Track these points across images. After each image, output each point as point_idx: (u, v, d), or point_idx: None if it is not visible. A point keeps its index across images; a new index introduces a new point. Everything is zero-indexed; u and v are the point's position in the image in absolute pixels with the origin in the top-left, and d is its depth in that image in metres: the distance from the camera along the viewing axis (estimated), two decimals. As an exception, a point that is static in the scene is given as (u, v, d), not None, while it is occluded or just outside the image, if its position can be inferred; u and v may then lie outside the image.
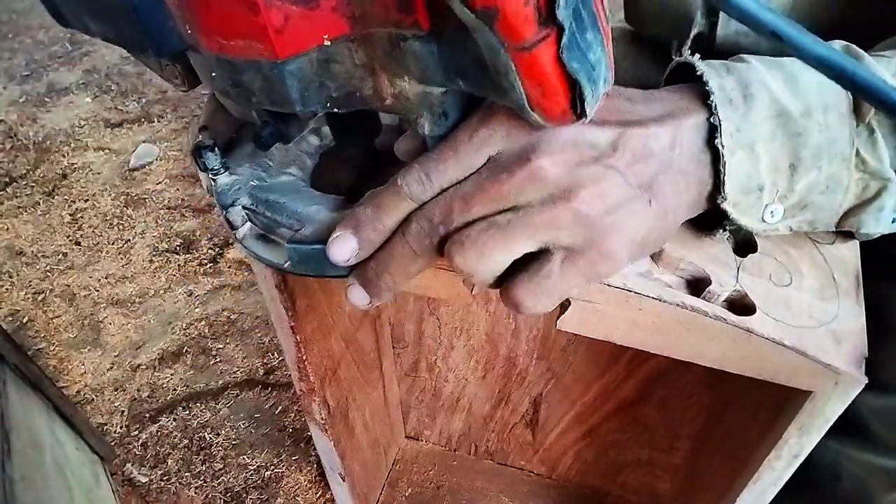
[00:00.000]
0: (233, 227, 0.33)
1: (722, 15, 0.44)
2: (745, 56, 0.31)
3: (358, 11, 0.22)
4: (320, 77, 0.25)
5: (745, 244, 0.36)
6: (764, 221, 0.31)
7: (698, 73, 0.30)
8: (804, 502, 0.52)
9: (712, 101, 0.29)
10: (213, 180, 0.33)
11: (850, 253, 0.36)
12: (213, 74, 0.25)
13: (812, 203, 0.31)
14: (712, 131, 0.29)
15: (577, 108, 0.23)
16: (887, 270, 0.40)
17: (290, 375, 0.91)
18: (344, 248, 0.28)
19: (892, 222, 0.32)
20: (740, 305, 0.32)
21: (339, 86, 0.25)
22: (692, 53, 0.32)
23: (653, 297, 0.32)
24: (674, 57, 0.33)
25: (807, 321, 0.32)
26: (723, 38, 0.42)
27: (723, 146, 0.28)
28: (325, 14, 0.22)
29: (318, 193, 0.34)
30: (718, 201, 0.30)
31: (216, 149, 0.32)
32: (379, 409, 0.73)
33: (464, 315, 0.66)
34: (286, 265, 0.32)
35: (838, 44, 0.31)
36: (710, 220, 0.32)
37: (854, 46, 0.31)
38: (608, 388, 0.67)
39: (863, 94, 0.24)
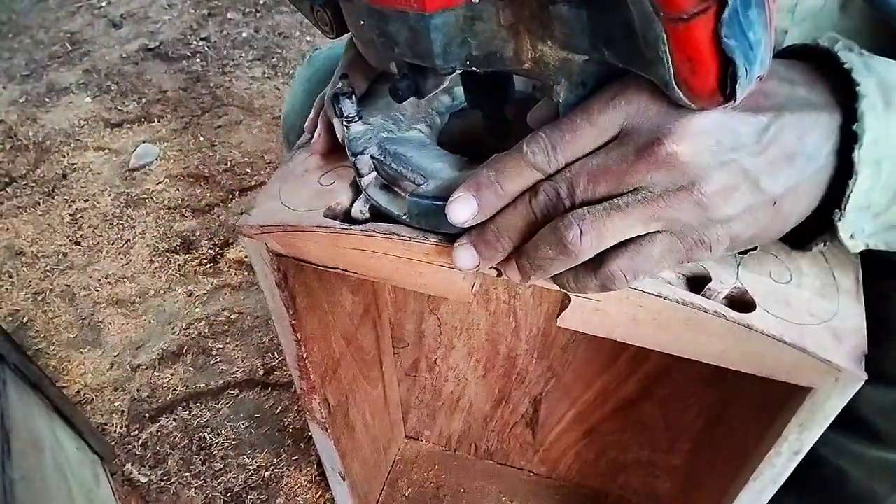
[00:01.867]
0: (359, 175, 0.34)
1: None
2: (861, 50, 0.27)
3: None
4: (464, 34, 0.25)
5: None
6: (853, 238, 0.28)
7: (846, 66, 0.26)
8: (810, 502, 0.52)
9: (859, 107, 0.26)
10: (347, 127, 0.33)
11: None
12: (362, 23, 0.26)
13: None
14: (848, 139, 0.26)
15: (726, 89, 0.22)
16: (892, 267, 0.40)
17: (290, 375, 0.91)
18: (464, 210, 0.28)
19: None
20: (740, 302, 0.33)
21: (481, 44, 0.25)
22: None
23: (653, 294, 0.32)
24: None
25: (807, 318, 0.32)
26: None
27: (860, 159, 0.26)
28: None
29: (443, 151, 0.34)
30: (835, 217, 0.27)
31: (353, 97, 0.32)
32: (379, 409, 0.73)
33: (464, 315, 0.66)
34: (404, 216, 0.32)
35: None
36: (801, 232, 0.30)
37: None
38: (608, 387, 0.67)
39: None
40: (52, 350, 1.06)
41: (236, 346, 1.05)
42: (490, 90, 0.33)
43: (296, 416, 0.96)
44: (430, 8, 0.23)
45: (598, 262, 0.27)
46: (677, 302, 0.32)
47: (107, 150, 1.46)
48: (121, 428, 0.95)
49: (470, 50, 0.26)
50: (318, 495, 0.87)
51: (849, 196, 0.26)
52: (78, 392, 1.00)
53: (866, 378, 0.31)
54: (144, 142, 1.48)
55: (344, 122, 0.33)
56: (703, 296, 0.32)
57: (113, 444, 0.92)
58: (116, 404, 0.98)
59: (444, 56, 0.26)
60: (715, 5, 0.20)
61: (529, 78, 0.28)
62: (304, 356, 0.49)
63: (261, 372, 1.02)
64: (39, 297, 1.14)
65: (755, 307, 0.32)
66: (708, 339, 0.33)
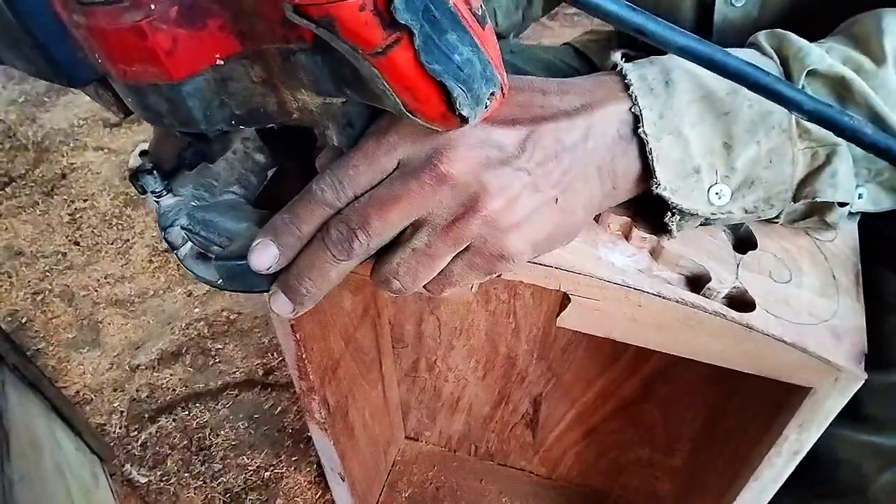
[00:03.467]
0: (173, 248, 0.34)
1: (715, 24, 0.44)
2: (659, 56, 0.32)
3: (245, 28, 0.23)
4: (220, 95, 0.25)
5: (744, 240, 0.36)
6: (711, 204, 0.31)
7: (618, 67, 0.31)
8: (804, 494, 0.52)
9: (632, 93, 0.30)
10: (157, 202, 0.33)
11: (849, 250, 0.36)
12: (128, 99, 0.26)
13: (759, 179, 0.31)
14: (636, 121, 0.30)
15: (454, 110, 0.23)
16: (884, 252, 0.40)
17: (289, 376, 0.91)
18: (265, 256, 0.28)
19: (859, 198, 0.32)
20: (740, 302, 0.33)
21: (241, 103, 0.26)
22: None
23: (652, 294, 0.32)
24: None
25: (807, 318, 0.32)
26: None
27: (646, 134, 0.29)
28: (213, 34, 0.23)
29: (253, 210, 0.34)
30: (653, 187, 0.30)
31: (155, 172, 0.32)
32: (379, 409, 0.73)
33: (464, 315, 0.66)
34: (219, 282, 0.32)
35: (763, 32, 0.32)
36: (657, 210, 0.33)
37: (778, 31, 0.31)
38: (609, 387, 0.67)
39: (730, 77, 0.25)
40: (51, 350, 1.06)
41: (236, 346, 1.05)
42: (292, 142, 0.33)
43: (295, 416, 0.96)
44: (176, 76, 0.23)
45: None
46: (677, 301, 0.32)
47: (106, 150, 1.46)
48: (120, 428, 0.95)
49: (232, 109, 0.26)
50: (317, 496, 0.86)
51: (654, 166, 0.30)
52: (77, 392, 1.00)
53: (866, 378, 0.31)
54: (144, 141, 1.47)
55: (153, 198, 0.33)
56: (703, 295, 0.32)
57: (112, 444, 0.92)
58: (115, 404, 0.98)
59: (207, 120, 0.25)
60: (404, 35, 0.21)
61: (301, 126, 0.28)
62: (304, 357, 0.49)
63: (260, 372, 1.02)
64: (38, 298, 1.14)
65: (755, 307, 0.32)
66: (707, 338, 0.33)
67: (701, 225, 0.34)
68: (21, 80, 1.69)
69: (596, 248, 0.34)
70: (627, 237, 0.34)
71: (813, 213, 0.33)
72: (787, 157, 0.30)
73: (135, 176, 0.32)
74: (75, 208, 1.31)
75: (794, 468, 0.38)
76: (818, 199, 0.31)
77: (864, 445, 0.46)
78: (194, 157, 0.31)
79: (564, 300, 0.34)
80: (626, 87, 0.30)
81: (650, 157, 0.30)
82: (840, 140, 0.30)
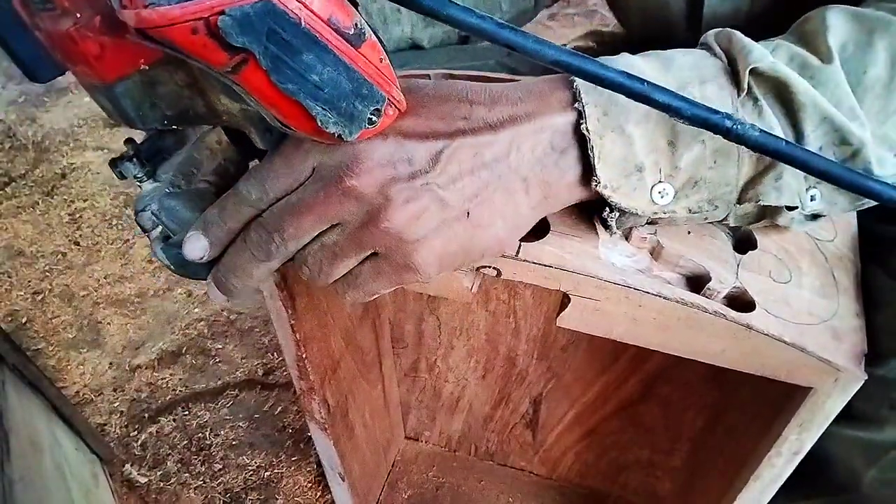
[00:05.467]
0: (144, 231, 0.36)
1: (704, 17, 0.44)
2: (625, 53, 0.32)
3: None
4: (150, 97, 0.27)
5: (744, 241, 0.36)
6: (654, 203, 0.31)
7: None
8: (797, 492, 0.52)
9: (576, 88, 0.29)
10: (139, 186, 0.35)
11: (849, 250, 0.36)
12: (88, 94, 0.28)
13: (704, 179, 0.30)
14: (577, 124, 0.29)
15: (326, 127, 0.24)
16: (874, 250, 0.40)
17: (289, 375, 0.91)
18: (195, 247, 0.31)
19: (812, 200, 0.31)
20: (740, 302, 0.33)
21: (171, 104, 0.27)
22: None
23: (652, 294, 0.32)
24: None
25: (807, 318, 0.32)
26: None
27: (588, 131, 0.29)
28: (136, 42, 0.24)
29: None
30: (593, 185, 0.30)
31: (135, 158, 0.34)
32: (379, 409, 0.73)
33: (464, 315, 0.66)
34: (172, 268, 0.34)
35: (713, 31, 0.32)
36: (599, 207, 0.32)
37: (727, 30, 0.31)
38: (609, 387, 0.67)
39: (553, 66, 0.25)
40: (51, 350, 1.06)
41: (236, 346, 1.05)
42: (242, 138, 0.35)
43: (295, 416, 0.96)
44: (107, 79, 0.25)
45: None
46: (677, 301, 0.32)
47: (106, 150, 1.46)
48: (120, 428, 0.95)
49: (163, 111, 0.28)
50: (317, 496, 0.86)
51: (594, 163, 0.29)
52: (77, 392, 1.00)
53: (866, 378, 0.31)
54: (144, 142, 1.47)
55: (136, 183, 0.35)
56: (703, 295, 0.32)
57: (112, 444, 0.92)
58: (116, 405, 0.98)
59: (141, 119, 0.27)
60: (250, 56, 0.21)
61: (231, 128, 0.30)
62: (304, 356, 0.49)
63: (260, 372, 1.02)
64: (38, 297, 1.14)
65: (755, 307, 0.32)
66: (707, 338, 0.33)
67: (649, 223, 0.33)
68: (21, 80, 1.69)
69: (596, 248, 0.34)
70: (627, 237, 0.34)
71: (764, 215, 0.32)
72: (732, 157, 0.30)
73: (113, 162, 0.34)
74: (75, 208, 1.31)
75: (793, 468, 0.38)
76: (762, 203, 0.31)
77: (853, 441, 0.46)
78: (149, 151, 0.34)
79: (564, 300, 0.34)
80: (571, 87, 0.30)
81: (591, 154, 0.29)
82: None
